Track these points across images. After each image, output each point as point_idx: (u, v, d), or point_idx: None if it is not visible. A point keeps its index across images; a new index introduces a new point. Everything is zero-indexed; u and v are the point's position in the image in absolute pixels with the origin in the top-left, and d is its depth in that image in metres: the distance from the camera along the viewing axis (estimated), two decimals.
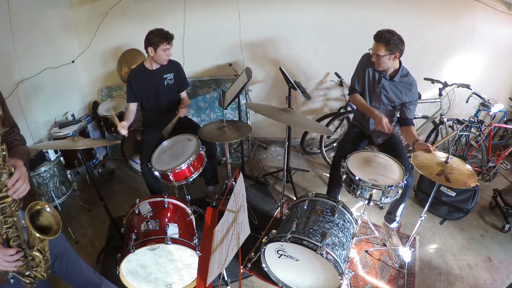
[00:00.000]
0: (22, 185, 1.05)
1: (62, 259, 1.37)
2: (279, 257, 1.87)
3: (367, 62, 2.21)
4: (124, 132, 2.29)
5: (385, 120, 2.06)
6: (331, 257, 1.65)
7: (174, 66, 2.50)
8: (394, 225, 2.38)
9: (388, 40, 1.95)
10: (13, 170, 1.05)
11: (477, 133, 2.92)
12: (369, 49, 2.10)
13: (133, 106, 2.49)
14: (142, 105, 2.58)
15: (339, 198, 2.13)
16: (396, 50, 1.99)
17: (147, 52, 2.33)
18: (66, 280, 1.46)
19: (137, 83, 2.41)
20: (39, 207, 1.13)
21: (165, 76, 2.45)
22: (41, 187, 2.35)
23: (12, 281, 1.11)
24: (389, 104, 2.22)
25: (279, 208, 2.60)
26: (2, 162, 1.00)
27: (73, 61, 3.19)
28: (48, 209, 1.15)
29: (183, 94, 2.65)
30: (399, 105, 2.21)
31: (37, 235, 1.06)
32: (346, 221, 1.95)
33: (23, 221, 1.07)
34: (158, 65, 2.42)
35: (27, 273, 1.13)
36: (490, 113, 2.79)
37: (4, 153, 1.00)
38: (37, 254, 1.13)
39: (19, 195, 1.05)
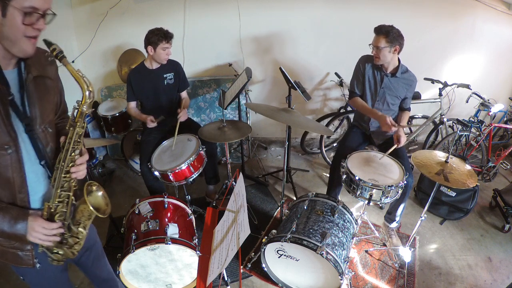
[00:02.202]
0: (83, 170, 1.09)
1: (91, 252, 1.37)
2: (279, 257, 1.87)
3: (365, 63, 2.24)
4: (153, 124, 2.37)
5: (388, 118, 2.07)
6: (331, 257, 1.65)
7: (174, 66, 2.50)
8: (394, 225, 2.38)
9: (388, 32, 1.99)
10: (82, 149, 1.09)
11: (477, 133, 2.92)
12: (369, 44, 2.12)
13: (133, 104, 2.50)
14: (142, 104, 2.58)
15: (339, 198, 2.13)
16: (396, 43, 2.02)
17: (146, 51, 2.33)
18: (88, 273, 1.46)
19: (137, 82, 2.41)
20: (94, 187, 1.16)
21: (165, 75, 2.46)
22: None
23: (38, 265, 1.11)
24: (393, 103, 2.23)
25: (279, 208, 2.60)
26: (79, 139, 1.04)
27: (73, 61, 3.18)
28: (100, 193, 1.19)
29: (184, 94, 2.65)
30: (401, 100, 2.25)
31: (91, 208, 1.07)
32: (346, 221, 1.95)
33: (73, 198, 1.10)
34: (158, 65, 2.42)
35: (55, 250, 1.13)
36: (490, 113, 2.79)
37: (83, 130, 1.04)
38: (82, 230, 1.14)
39: (77, 176, 1.08)
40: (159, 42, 2.25)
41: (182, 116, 2.41)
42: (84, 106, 1.00)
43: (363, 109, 2.27)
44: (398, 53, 2.10)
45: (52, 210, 1.05)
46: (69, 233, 1.12)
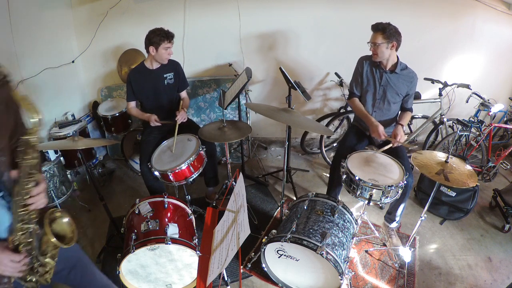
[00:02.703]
0: (42, 199, 1.05)
1: (77, 269, 1.34)
2: (279, 257, 1.87)
3: (363, 63, 2.27)
4: (157, 123, 2.40)
5: (381, 129, 2.14)
6: (331, 257, 1.65)
7: (174, 66, 2.50)
8: (394, 225, 2.38)
9: (385, 28, 2.02)
10: (40, 178, 1.03)
11: (477, 133, 2.92)
12: (367, 42, 2.14)
13: (132, 104, 2.51)
14: (142, 104, 2.58)
15: (339, 198, 2.13)
16: (393, 39, 2.04)
17: (148, 51, 2.33)
18: None
19: (137, 82, 2.41)
20: (58, 214, 1.12)
21: (165, 75, 2.46)
22: None
23: None
24: (394, 102, 2.24)
25: (279, 208, 2.60)
26: (33, 170, 0.99)
27: (73, 61, 3.19)
28: (65, 219, 1.14)
29: (183, 94, 2.65)
30: (402, 98, 2.26)
31: (53, 240, 1.04)
32: (346, 221, 1.95)
33: (37, 227, 1.06)
34: (159, 65, 2.42)
35: (29, 278, 1.09)
36: (490, 113, 2.79)
37: (37, 160, 0.99)
38: (49, 260, 1.11)
39: (36, 207, 1.04)
40: (161, 42, 2.25)
41: (180, 118, 2.40)
42: (34, 137, 0.94)
43: (359, 112, 2.31)
44: (396, 50, 2.12)
45: (16, 243, 1.01)
46: (38, 262, 1.08)
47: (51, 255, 1.11)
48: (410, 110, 2.31)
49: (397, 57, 2.17)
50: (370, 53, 2.18)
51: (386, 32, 2.02)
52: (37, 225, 1.06)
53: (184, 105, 2.56)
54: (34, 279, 1.11)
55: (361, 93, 2.35)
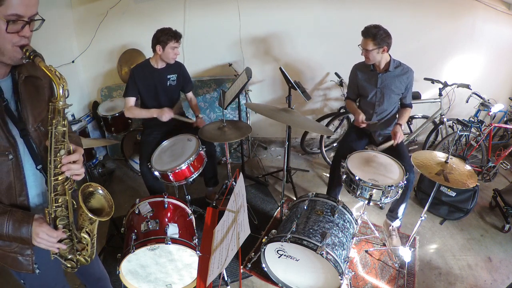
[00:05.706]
0: (79, 169, 1.03)
1: None
2: (279, 257, 1.87)
3: (356, 72, 2.33)
4: (171, 114, 2.39)
5: (361, 117, 2.26)
6: (331, 257, 1.65)
7: (178, 68, 2.49)
8: (396, 223, 2.37)
9: (375, 34, 2.02)
10: (71, 148, 1.03)
11: (477, 133, 2.92)
12: (358, 45, 2.15)
13: (132, 102, 2.42)
14: (142, 104, 2.57)
15: (339, 198, 2.13)
16: (383, 44, 2.05)
17: (154, 50, 2.33)
18: (80, 274, 1.43)
19: (140, 78, 2.38)
20: (91, 189, 1.11)
21: (168, 76, 2.45)
22: None
23: (37, 271, 1.09)
24: (393, 101, 2.25)
25: (279, 208, 2.60)
26: (62, 138, 0.98)
27: (73, 61, 3.19)
28: (100, 191, 1.13)
29: (190, 95, 2.67)
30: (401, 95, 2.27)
31: (90, 215, 1.03)
32: (346, 221, 1.95)
33: (74, 202, 1.06)
34: (164, 64, 2.41)
35: (69, 257, 1.11)
36: (490, 113, 2.79)
37: (64, 129, 0.98)
38: (86, 236, 1.10)
39: (72, 173, 1.02)
40: (168, 41, 2.26)
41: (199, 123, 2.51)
42: (60, 102, 0.95)
43: (350, 109, 2.45)
44: (387, 51, 2.13)
45: (53, 216, 1.02)
46: (76, 239, 1.09)
47: (87, 230, 1.10)
48: (410, 106, 2.31)
49: (389, 55, 2.18)
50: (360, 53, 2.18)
51: (376, 38, 2.02)
52: (73, 199, 1.06)
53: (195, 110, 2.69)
54: (75, 259, 1.11)
55: (359, 98, 2.39)
